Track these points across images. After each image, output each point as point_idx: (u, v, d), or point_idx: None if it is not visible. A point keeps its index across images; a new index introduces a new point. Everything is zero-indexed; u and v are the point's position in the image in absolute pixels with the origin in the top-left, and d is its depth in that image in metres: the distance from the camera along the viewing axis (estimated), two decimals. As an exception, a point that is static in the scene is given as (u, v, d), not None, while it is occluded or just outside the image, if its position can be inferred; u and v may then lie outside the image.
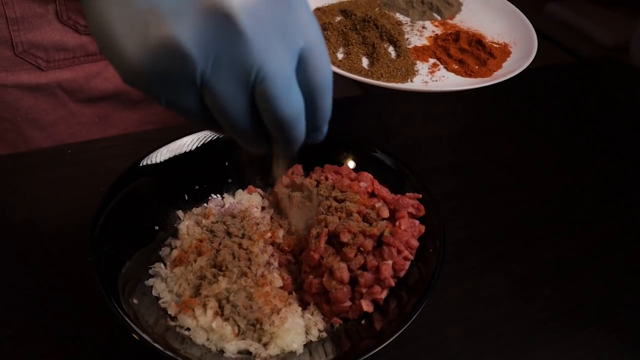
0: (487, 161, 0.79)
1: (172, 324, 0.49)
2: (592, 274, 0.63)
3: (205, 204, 0.60)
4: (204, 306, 0.48)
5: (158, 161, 0.58)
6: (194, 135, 0.60)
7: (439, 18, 0.68)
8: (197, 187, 0.60)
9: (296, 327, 0.48)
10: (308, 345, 0.49)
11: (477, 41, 0.63)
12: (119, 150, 0.73)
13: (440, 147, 0.81)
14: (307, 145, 0.39)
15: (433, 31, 0.66)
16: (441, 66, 0.61)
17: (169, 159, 0.59)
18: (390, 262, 0.50)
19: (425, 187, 0.57)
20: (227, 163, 0.62)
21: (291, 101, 0.34)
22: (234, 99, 0.33)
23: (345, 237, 0.50)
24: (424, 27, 0.66)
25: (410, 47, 0.62)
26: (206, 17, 0.31)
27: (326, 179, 0.57)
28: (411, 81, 0.57)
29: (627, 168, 0.80)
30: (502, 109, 0.91)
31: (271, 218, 0.58)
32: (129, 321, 0.43)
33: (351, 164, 0.61)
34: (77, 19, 0.73)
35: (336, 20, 0.64)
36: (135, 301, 0.48)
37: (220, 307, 0.48)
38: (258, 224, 0.56)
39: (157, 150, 0.58)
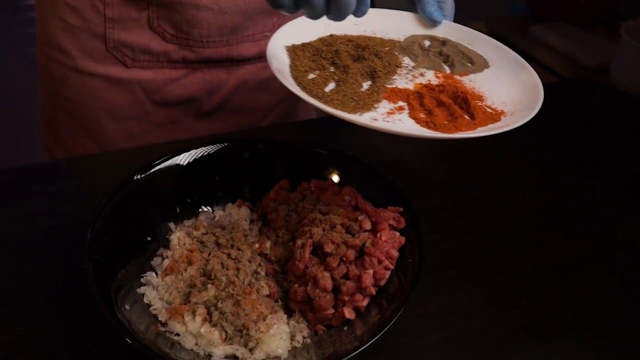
0: (469, 177, 0.82)
1: (163, 329, 0.51)
2: (566, 285, 0.65)
3: (196, 217, 0.62)
4: (193, 313, 0.51)
5: (151, 175, 0.60)
6: (186, 152, 0.63)
7: (447, 71, 0.65)
8: (189, 200, 0.63)
9: (281, 333, 0.51)
10: (293, 351, 0.51)
11: (464, 99, 0.59)
12: (113, 165, 0.75)
13: (423, 164, 0.84)
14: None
15: (429, 80, 0.62)
16: (405, 111, 0.57)
17: (162, 173, 0.61)
18: (371, 271, 0.53)
19: (406, 200, 0.59)
20: (217, 178, 0.64)
21: None
22: None
23: (329, 248, 0.53)
24: (421, 74, 0.63)
25: (390, 86, 0.59)
26: None
27: (312, 192, 0.60)
28: (360, 115, 0.54)
29: (604, 185, 0.84)
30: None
31: (259, 230, 0.61)
32: (122, 326, 0.45)
33: (336, 178, 0.64)
34: (166, 27, 0.80)
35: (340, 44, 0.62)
36: (127, 307, 0.50)
37: (209, 313, 0.51)
38: (246, 235, 0.59)
39: (151, 165, 0.61)
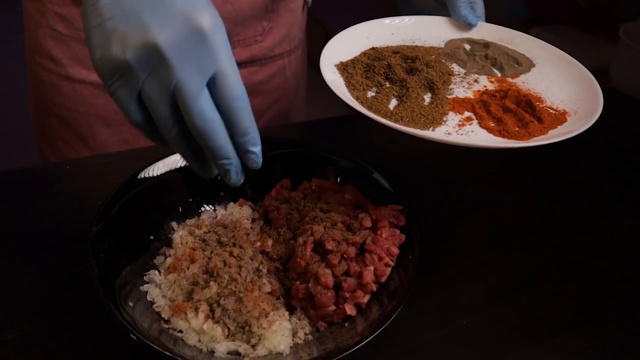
0: (469, 177, 0.83)
1: (166, 326, 0.51)
2: (565, 283, 0.66)
3: (198, 216, 0.63)
4: (196, 310, 0.51)
5: (154, 175, 0.61)
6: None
7: (498, 74, 0.64)
8: (191, 199, 0.63)
9: (283, 330, 0.51)
10: (294, 347, 0.51)
11: (527, 102, 0.58)
12: (115, 166, 0.76)
13: (424, 163, 0.85)
14: (252, 169, 0.49)
15: (485, 86, 0.62)
16: (475, 121, 0.57)
17: (165, 173, 0.62)
18: (371, 268, 0.53)
19: (406, 198, 0.60)
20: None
21: (202, 108, 0.43)
22: (159, 101, 0.43)
23: (330, 245, 0.53)
24: (476, 81, 0.63)
25: (450, 97, 0.59)
26: (143, 48, 0.41)
27: (313, 191, 0.60)
28: (433, 130, 0.54)
29: (604, 184, 0.84)
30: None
31: (261, 228, 0.61)
32: (126, 323, 0.46)
33: (337, 178, 0.65)
34: None
35: (388, 55, 0.62)
36: (130, 304, 0.51)
37: (211, 310, 0.51)
38: (248, 234, 0.59)
39: (153, 165, 0.61)
